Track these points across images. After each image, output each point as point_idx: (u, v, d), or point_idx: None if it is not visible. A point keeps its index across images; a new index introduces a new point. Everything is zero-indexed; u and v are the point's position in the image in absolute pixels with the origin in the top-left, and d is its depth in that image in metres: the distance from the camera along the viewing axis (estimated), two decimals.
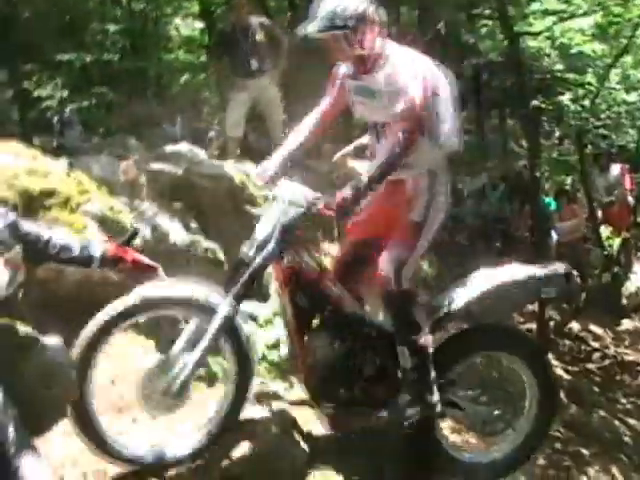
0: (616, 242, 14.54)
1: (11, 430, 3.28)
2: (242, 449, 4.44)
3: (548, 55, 14.70)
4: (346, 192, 4.16)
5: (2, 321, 3.75)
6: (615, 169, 14.82)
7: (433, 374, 4.53)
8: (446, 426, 5.35)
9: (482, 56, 17.07)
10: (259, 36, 9.79)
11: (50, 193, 5.37)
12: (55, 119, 12.79)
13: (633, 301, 14.26)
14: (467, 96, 21.54)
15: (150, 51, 15.81)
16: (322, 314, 4.50)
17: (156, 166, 7.61)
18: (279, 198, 4.33)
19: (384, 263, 4.43)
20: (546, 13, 12.64)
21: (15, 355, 3.74)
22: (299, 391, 4.94)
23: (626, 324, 13.75)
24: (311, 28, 4.43)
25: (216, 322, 4.12)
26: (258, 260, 4.19)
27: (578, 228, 14.16)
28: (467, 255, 12.40)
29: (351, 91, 4.69)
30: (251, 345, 4.44)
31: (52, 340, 3.89)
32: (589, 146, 16.71)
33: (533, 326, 11.39)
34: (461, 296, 4.68)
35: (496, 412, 4.92)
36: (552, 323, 12.58)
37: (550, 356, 11.23)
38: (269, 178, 4.58)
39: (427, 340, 4.50)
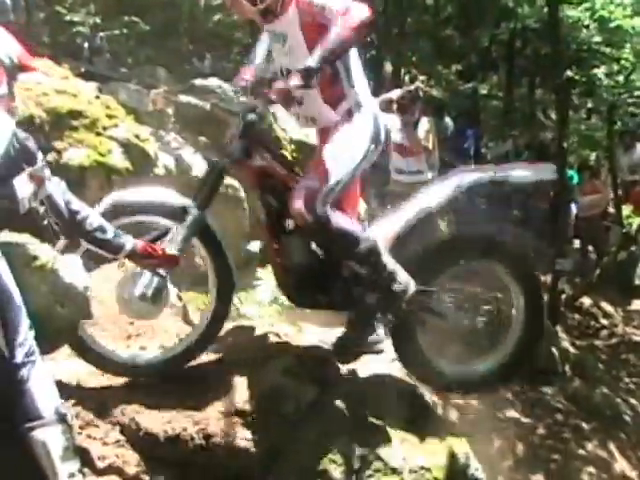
0: (636, 221, 14.46)
1: (22, 339, 3.29)
2: (250, 387, 4.43)
3: (586, 27, 14.46)
4: (291, 79, 4.05)
5: (22, 237, 3.72)
6: None
7: (391, 264, 4.41)
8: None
9: (519, 21, 16.81)
10: None
11: (78, 114, 5.36)
12: (85, 45, 12.69)
13: None
14: (499, 61, 21.42)
15: None
16: None
17: (184, 98, 7.53)
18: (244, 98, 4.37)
19: (295, 195, 4.26)
20: None
21: (32, 271, 3.72)
22: (309, 335, 4.93)
23: (637, 304, 13.62)
24: None
25: (185, 223, 4.13)
26: (224, 159, 4.21)
27: (599, 204, 14.06)
28: (483, 218, 12.30)
29: (267, 35, 4.58)
30: (225, 243, 4.41)
31: (69, 259, 3.87)
32: (617, 123, 16.52)
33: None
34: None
35: (480, 322, 4.84)
36: (564, 296, 12.46)
37: (559, 329, 11.28)
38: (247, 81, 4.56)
39: (368, 246, 4.36)
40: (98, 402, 4.15)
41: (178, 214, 4.16)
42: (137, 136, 5.74)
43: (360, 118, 4.42)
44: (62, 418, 3.38)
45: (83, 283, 3.84)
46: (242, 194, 6.78)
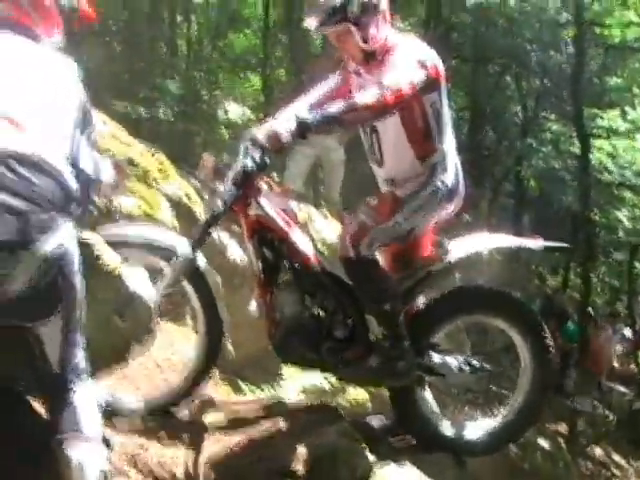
0: None
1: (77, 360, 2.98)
2: (302, 450, 4.11)
3: None
4: (284, 124, 3.82)
5: (92, 236, 3.45)
6: None
7: (405, 342, 4.25)
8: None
9: None
10: None
11: (130, 162, 5.18)
12: None
13: None
14: None
15: (199, 121, 15.81)
16: (290, 270, 4.22)
17: (220, 188, 7.44)
18: (241, 144, 4.06)
19: (348, 227, 4.23)
20: None
21: (94, 274, 3.40)
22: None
23: None
24: (312, 22, 4.10)
25: (174, 262, 3.95)
26: (216, 203, 4.00)
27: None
28: None
29: (353, 87, 4.35)
30: (218, 290, 4.19)
31: (136, 270, 3.60)
32: None
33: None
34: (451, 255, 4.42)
35: (484, 381, 4.57)
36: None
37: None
38: None
39: (394, 308, 4.23)
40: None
41: (170, 255, 3.99)
42: (187, 195, 5.57)
43: (439, 173, 4.29)
44: (106, 442, 3.02)
45: (149, 294, 3.54)
46: None
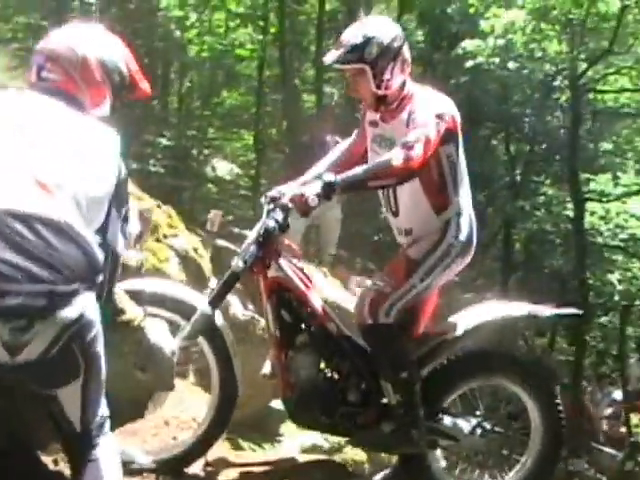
0: None
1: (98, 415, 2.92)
2: None
3: None
4: (311, 187, 3.84)
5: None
6: None
7: (419, 409, 4.20)
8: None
9: None
10: None
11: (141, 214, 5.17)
12: None
13: None
14: None
15: (189, 176, 15.88)
16: (307, 332, 4.21)
17: (222, 243, 7.39)
18: (264, 206, 4.17)
19: (364, 294, 4.22)
20: None
21: (116, 327, 3.38)
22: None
23: None
24: (330, 57, 4.09)
25: (192, 319, 3.94)
26: (237, 262, 3.97)
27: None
28: None
29: (369, 139, 4.38)
30: (234, 350, 4.19)
31: (156, 322, 3.57)
32: None
33: None
34: (463, 323, 4.37)
35: (495, 444, 4.50)
36: None
37: None
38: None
39: (412, 376, 4.19)
40: None
41: (188, 311, 4.01)
42: (195, 250, 5.54)
43: (454, 229, 4.24)
44: None
45: (170, 347, 3.50)
46: None
